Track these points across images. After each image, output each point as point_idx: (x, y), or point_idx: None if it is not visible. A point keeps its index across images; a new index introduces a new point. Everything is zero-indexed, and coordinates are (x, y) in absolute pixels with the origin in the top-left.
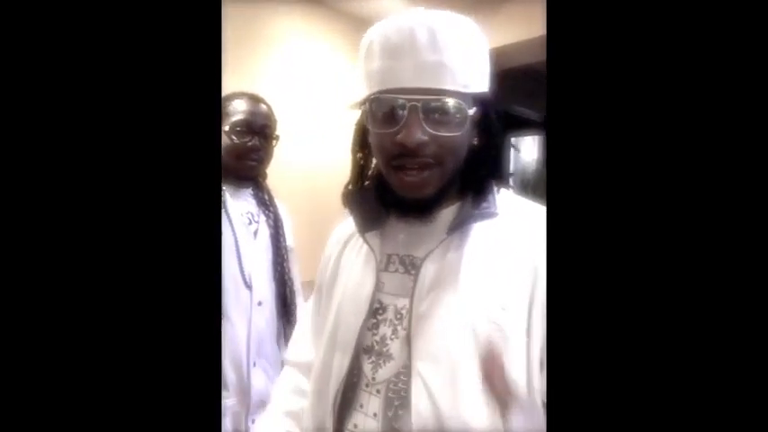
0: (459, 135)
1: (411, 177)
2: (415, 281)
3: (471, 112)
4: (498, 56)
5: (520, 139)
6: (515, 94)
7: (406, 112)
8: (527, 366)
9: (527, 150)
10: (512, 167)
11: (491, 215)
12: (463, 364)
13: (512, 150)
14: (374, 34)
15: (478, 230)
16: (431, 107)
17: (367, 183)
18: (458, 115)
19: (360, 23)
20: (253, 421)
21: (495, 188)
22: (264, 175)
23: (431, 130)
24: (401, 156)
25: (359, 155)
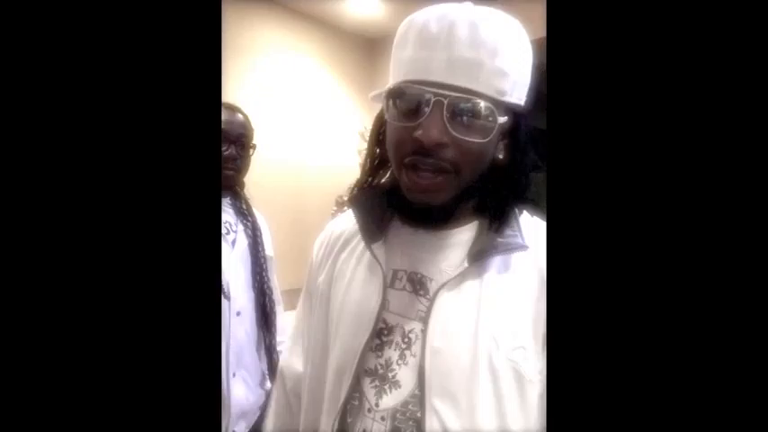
0: (484, 143)
1: (423, 180)
2: (429, 309)
3: (502, 120)
4: None
5: None
6: None
7: (429, 108)
8: (539, 412)
9: None
10: None
11: (520, 247)
12: (483, 404)
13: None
14: (412, 21)
15: (499, 258)
16: (458, 106)
17: (377, 183)
18: (487, 121)
19: (336, 32)
20: None
21: (517, 211)
22: (242, 185)
23: (453, 132)
24: (415, 153)
25: (376, 150)
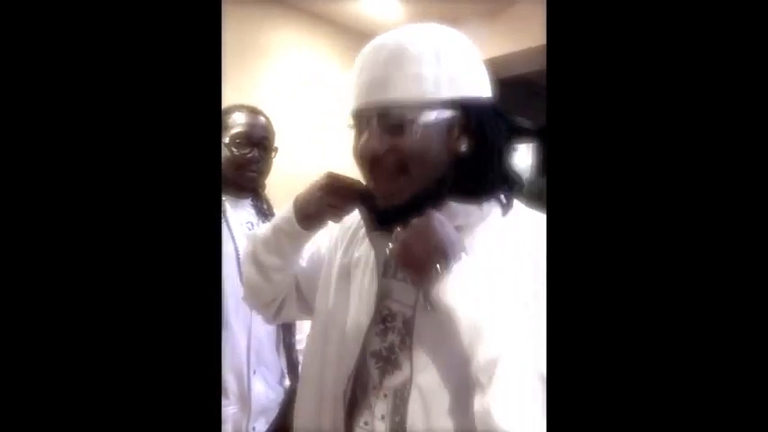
0: (421, 140)
1: (380, 186)
2: (417, 292)
3: (429, 118)
4: (493, 65)
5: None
6: (510, 103)
7: (364, 126)
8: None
9: (521, 158)
10: None
11: (472, 225)
12: (462, 379)
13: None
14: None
15: (476, 239)
16: (383, 118)
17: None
18: (413, 122)
19: (355, 34)
20: (254, 428)
21: (485, 197)
22: (264, 186)
23: (389, 140)
24: (370, 167)
25: None
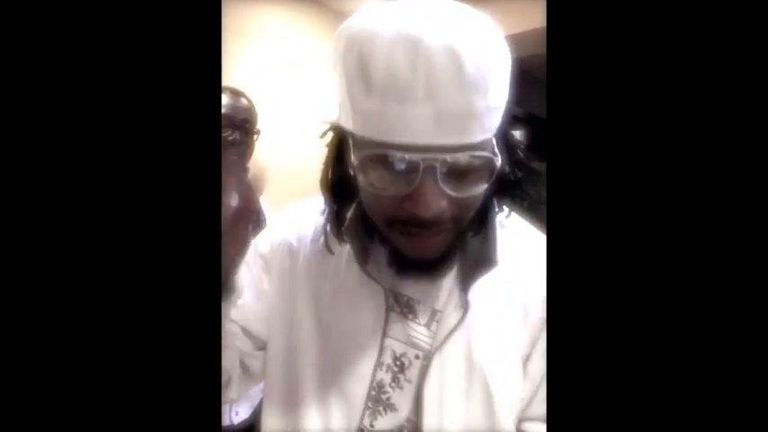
0: (484, 190)
1: (421, 242)
2: (434, 336)
3: (496, 163)
4: None
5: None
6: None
7: (419, 175)
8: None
9: None
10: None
11: (492, 265)
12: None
13: None
14: (369, 48)
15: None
16: (453, 166)
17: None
18: (486, 167)
19: (344, 16)
20: (237, 413)
21: (499, 219)
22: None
23: (451, 192)
24: (409, 224)
25: (338, 176)
